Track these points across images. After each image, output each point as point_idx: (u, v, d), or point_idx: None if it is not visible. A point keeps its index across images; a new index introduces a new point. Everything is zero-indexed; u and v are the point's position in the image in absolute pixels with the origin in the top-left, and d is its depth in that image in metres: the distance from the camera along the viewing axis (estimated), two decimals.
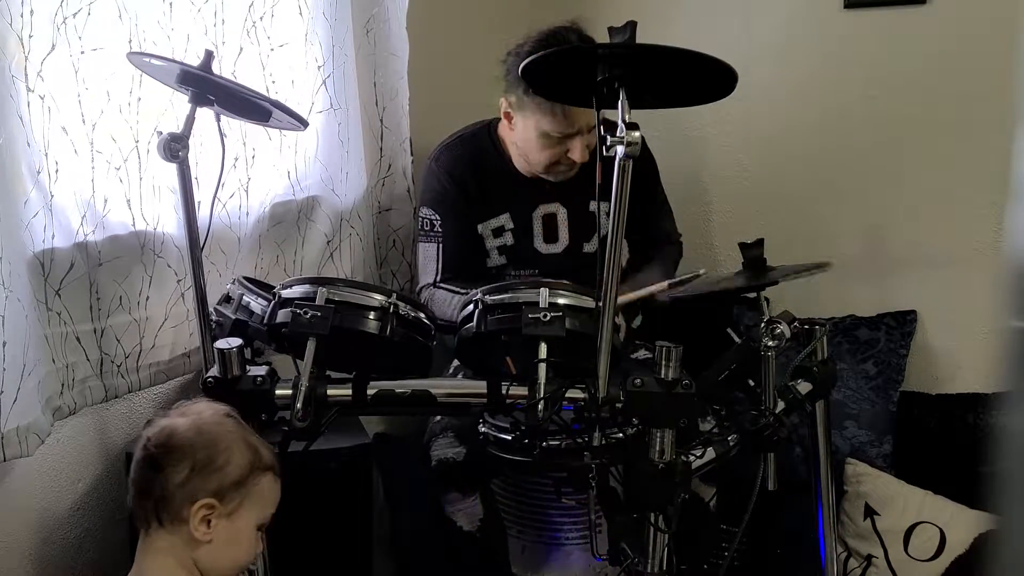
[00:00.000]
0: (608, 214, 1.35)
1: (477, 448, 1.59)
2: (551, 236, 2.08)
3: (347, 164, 2.10)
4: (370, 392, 1.42)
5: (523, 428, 1.38)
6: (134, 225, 1.70)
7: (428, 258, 2.05)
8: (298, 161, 2.01)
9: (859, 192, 2.42)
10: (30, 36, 1.49)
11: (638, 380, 1.34)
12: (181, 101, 1.59)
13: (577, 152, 1.91)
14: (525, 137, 1.96)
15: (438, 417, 1.89)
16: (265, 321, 1.44)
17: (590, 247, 2.06)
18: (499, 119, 2.05)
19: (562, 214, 2.07)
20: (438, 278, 2.03)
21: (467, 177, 2.04)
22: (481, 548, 1.81)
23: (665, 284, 1.79)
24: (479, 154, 2.06)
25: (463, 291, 1.95)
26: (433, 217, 2.04)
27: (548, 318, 1.34)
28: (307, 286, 1.40)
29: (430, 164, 2.09)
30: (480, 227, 2.06)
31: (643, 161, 2.14)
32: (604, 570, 1.72)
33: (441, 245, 2.03)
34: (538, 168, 1.99)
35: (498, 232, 2.07)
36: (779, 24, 2.44)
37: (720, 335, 1.67)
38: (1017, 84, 1.82)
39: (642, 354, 1.94)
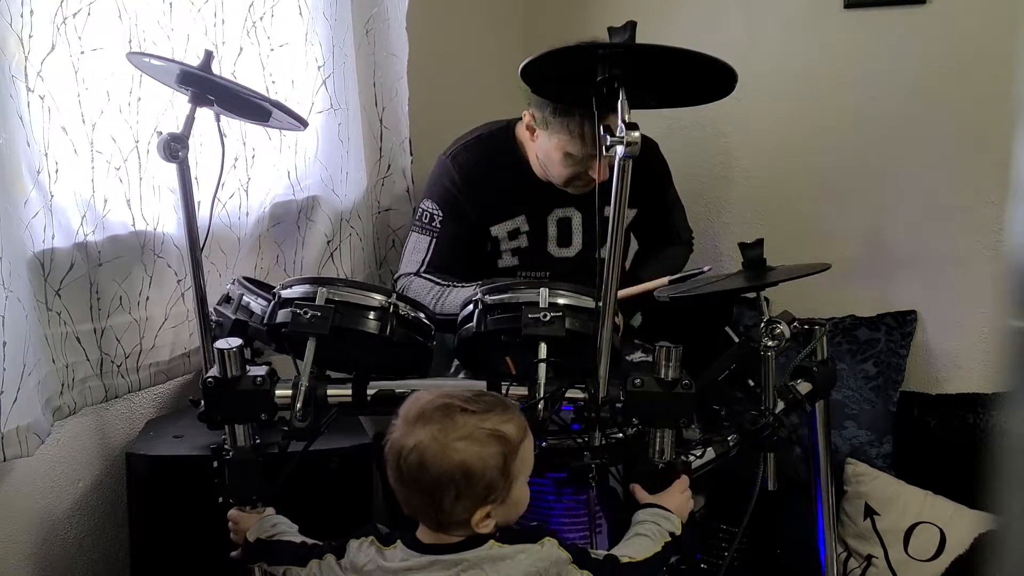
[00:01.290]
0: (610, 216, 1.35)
1: None
2: (565, 240, 2.08)
3: (347, 164, 2.10)
4: (370, 392, 1.42)
5: None
6: (134, 225, 1.71)
7: (417, 249, 2.04)
8: (298, 161, 2.01)
9: (859, 192, 2.42)
10: (30, 36, 1.49)
11: (638, 380, 1.34)
12: (181, 101, 1.59)
13: (597, 171, 1.91)
14: (547, 153, 1.95)
15: None
16: (265, 321, 1.44)
17: (603, 253, 2.06)
18: (517, 120, 2.04)
19: (577, 219, 2.07)
20: (421, 269, 2.01)
21: (483, 179, 2.03)
22: None
23: (665, 280, 1.79)
24: (497, 155, 2.05)
25: (443, 283, 1.95)
26: (435, 212, 2.04)
27: (548, 318, 1.34)
28: (307, 286, 1.40)
29: (445, 160, 2.07)
30: (495, 229, 2.05)
31: (653, 161, 2.15)
32: None
33: (435, 241, 2.02)
34: (557, 182, 1.99)
35: (513, 235, 2.06)
36: (779, 24, 2.44)
37: (720, 335, 1.67)
38: (1017, 84, 1.82)
39: (638, 356, 1.94)
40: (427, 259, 2.02)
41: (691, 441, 1.54)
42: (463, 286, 1.91)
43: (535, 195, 2.04)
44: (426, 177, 2.13)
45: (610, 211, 1.34)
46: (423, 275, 2.00)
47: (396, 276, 2.08)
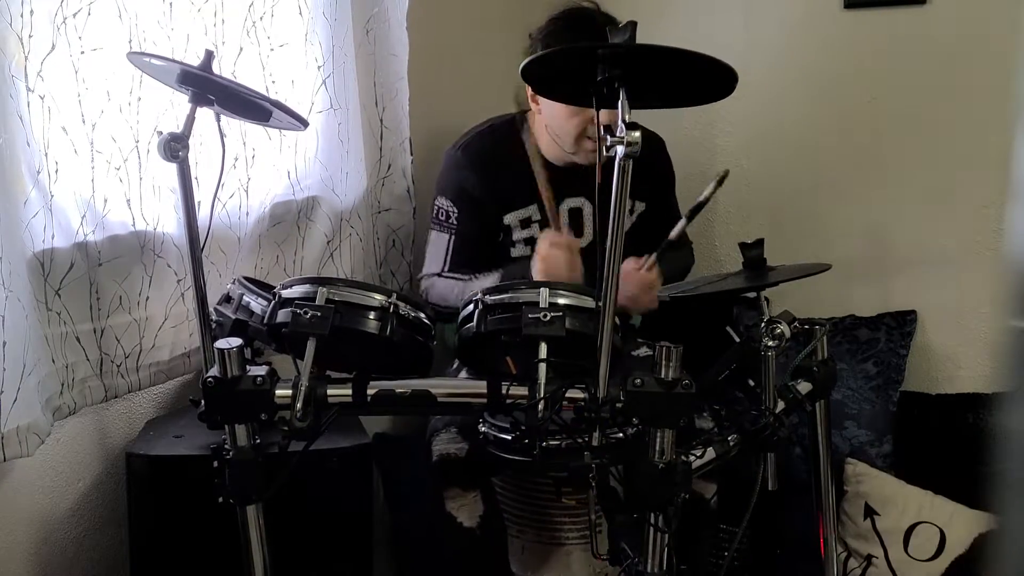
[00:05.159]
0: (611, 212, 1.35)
1: (479, 444, 1.59)
2: (577, 230, 2.08)
3: (347, 164, 2.11)
4: (370, 392, 1.42)
5: (523, 428, 1.38)
6: (134, 225, 1.71)
7: (438, 247, 2.05)
8: (298, 161, 2.01)
9: (859, 192, 2.42)
10: (30, 36, 1.49)
11: (638, 380, 1.34)
12: (181, 101, 1.59)
13: (604, 115, 1.91)
14: (553, 115, 1.95)
15: None
16: (265, 321, 1.44)
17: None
18: (524, 112, 2.05)
19: (587, 209, 2.07)
20: (445, 268, 2.03)
21: (495, 166, 2.04)
22: (481, 545, 1.81)
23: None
24: (507, 146, 2.06)
25: (465, 278, 1.97)
26: (450, 208, 2.04)
27: (548, 318, 1.34)
28: (307, 286, 1.40)
29: (455, 153, 2.07)
30: (508, 217, 2.05)
31: (662, 158, 2.16)
32: (604, 570, 1.72)
33: (453, 238, 2.03)
34: (569, 143, 1.96)
35: (526, 223, 2.06)
36: (779, 24, 2.44)
37: (720, 335, 1.67)
38: (1017, 84, 1.82)
39: (643, 351, 1.93)
40: (448, 257, 2.03)
41: (691, 440, 1.54)
42: (484, 276, 1.94)
43: (545, 185, 2.04)
44: (426, 177, 2.13)
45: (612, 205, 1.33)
46: (445, 275, 2.02)
47: (419, 276, 2.09)
